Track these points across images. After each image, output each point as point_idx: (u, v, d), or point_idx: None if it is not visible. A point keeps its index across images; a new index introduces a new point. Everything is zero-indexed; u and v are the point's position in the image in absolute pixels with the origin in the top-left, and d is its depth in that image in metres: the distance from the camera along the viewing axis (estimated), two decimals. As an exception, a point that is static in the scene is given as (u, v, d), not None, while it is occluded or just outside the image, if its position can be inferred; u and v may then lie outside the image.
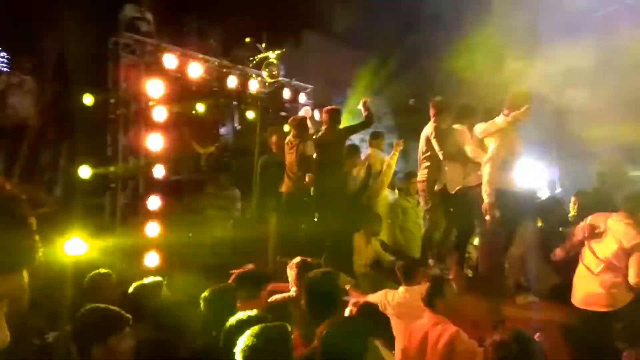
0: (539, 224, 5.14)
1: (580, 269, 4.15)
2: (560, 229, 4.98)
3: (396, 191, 6.87)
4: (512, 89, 4.86)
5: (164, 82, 6.26)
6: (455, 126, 5.20)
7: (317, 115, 8.37)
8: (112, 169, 6.22)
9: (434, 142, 5.20)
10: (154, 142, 6.15)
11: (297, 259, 4.08)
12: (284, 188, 6.27)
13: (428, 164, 5.34)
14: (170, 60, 6.46)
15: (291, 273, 4.07)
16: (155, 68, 6.39)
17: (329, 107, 6.09)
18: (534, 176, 8.58)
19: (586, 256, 4.12)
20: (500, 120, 4.66)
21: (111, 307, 2.64)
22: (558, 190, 9.95)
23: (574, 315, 4.03)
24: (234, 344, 2.34)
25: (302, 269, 3.88)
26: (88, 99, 6.29)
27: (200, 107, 7.32)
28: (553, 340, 3.57)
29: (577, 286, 4.13)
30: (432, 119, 5.38)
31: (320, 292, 3.19)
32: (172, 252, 6.01)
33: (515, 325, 3.41)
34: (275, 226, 6.49)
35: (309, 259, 4.08)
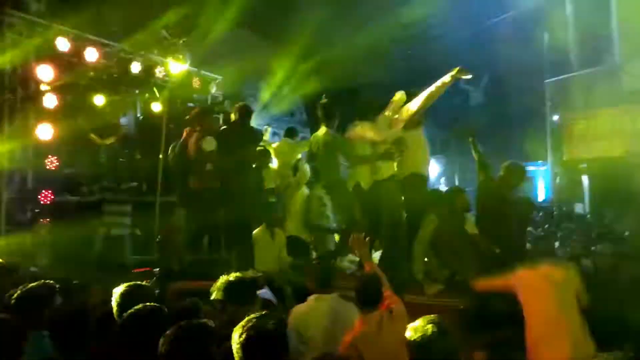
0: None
1: None
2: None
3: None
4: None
5: (56, 67, 5.84)
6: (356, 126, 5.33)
7: (227, 106, 8.22)
8: (-5, 160, 5.68)
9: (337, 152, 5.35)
10: (45, 131, 5.71)
11: None
12: (190, 183, 6.04)
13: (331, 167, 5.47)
14: (63, 43, 5.98)
15: None
16: (47, 51, 5.89)
17: (241, 104, 5.98)
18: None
19: None
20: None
21: None
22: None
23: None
24: None
25: None
26: (-35, 83, 5.65)
27: (99, 95, 6.83)
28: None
29: None
30: (323, 122, 5.50)
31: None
32: (66, 250, 5.60)
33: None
34: (182, 223, 6.24)
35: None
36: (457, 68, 4.80)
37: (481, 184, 5.06)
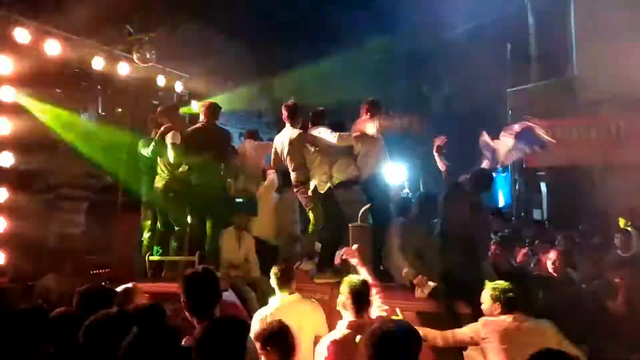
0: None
1: None
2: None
3: None
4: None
5: (13, 59, 5.59)
6: (316, 130, 5.37)
7: (194, 105, 8.08)
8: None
9: (307, 146, 5.36)
10: (0, 125, 5.43)
11: None
12: (157, 182, 5.89)
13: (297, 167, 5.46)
14: (22, 35, 5.73)
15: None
16: (4, 42, 5.64)
17: (208, 101, 5.88)
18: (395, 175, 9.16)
19: None
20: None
21: None
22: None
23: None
24: None
25: None
26: None
27: (59, 90, 6.59)
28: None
29: None
30: (289, 123, 5.51)
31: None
32: (21, 250, 5.37)
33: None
34: (148, 222, 6.09)
35: None
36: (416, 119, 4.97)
37: (449, 190, 5.11)
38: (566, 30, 11.03)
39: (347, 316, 3.26)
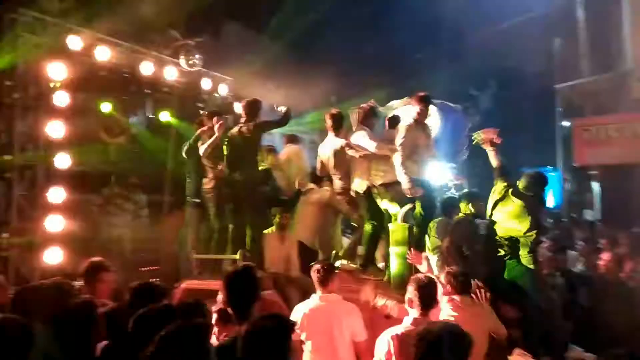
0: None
1: None
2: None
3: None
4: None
5: (67, 66, 5.86)
6: (358, 131, 5.36)
7: (237, 107, 8.22)
8: (6, 157, 5.72)
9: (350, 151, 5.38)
10: (55, 129, 5.74)
11: None
12: (203, 183, 6.03)
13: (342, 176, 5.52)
14: (75, 42, 6.02)
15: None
16: (59, 50, 5.94)
17: (246, 100, 5.91)
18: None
19: None
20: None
21: None
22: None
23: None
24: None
25: None
26: (-22, 81, 5.71)
27: (110, 95, 6.87)
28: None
29: None
30: (333, 133, 5.56)
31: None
32: (77, 248, 5.63)
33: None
34: (193, 222, 6.26)
35: None
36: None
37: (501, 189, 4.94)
38: (618, 23, 10.54)
39: (413, 313, 3.27)
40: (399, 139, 5.01)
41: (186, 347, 2.14)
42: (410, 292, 3.29)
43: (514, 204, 4.57)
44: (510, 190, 4.65)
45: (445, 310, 3.57)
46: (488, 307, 3.74)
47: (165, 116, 7.66)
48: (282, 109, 5.74)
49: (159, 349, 2.11)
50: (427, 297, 3.26)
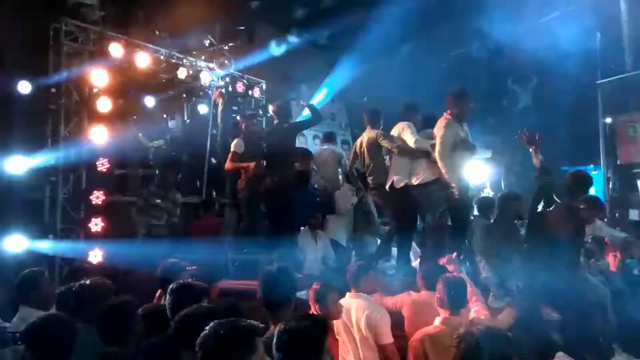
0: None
1: None
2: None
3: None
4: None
5: (109, 72, 6.05)
6: (399, 125, 5.27)
7: (270, 109, 8.32)
8: (52, 161, 5.95)
9: (384, 142, 5.27)
10: (98, 134, 5.92)
11: None
12: (239, 184, 6.12)
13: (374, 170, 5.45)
14: (116, 49, 6.22)
15: None
16: (100, 57, 6.15)
17: (276, 103, 5.97)
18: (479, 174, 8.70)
19: None
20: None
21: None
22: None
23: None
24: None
25: None
26: (25, 87, 5.97)
27: (149, 99, 7.08)
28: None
29: None
30: (369, 128, 5.50)
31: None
32: (117, 248, 5.80)
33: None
34: (232, 222, 6.35)
35: None
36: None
37: (543, 190, 4.81)
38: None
39: (443, 313, 3.27)
40: (438, 136, 4.88)
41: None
42: (440, 291, 3.27)
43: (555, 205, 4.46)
44: (552, 190, 4.54)
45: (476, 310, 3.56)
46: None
47: (201, 119, 7.83)
48: (305, 103, 5.75)
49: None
50: (457, 296, 3.25)
